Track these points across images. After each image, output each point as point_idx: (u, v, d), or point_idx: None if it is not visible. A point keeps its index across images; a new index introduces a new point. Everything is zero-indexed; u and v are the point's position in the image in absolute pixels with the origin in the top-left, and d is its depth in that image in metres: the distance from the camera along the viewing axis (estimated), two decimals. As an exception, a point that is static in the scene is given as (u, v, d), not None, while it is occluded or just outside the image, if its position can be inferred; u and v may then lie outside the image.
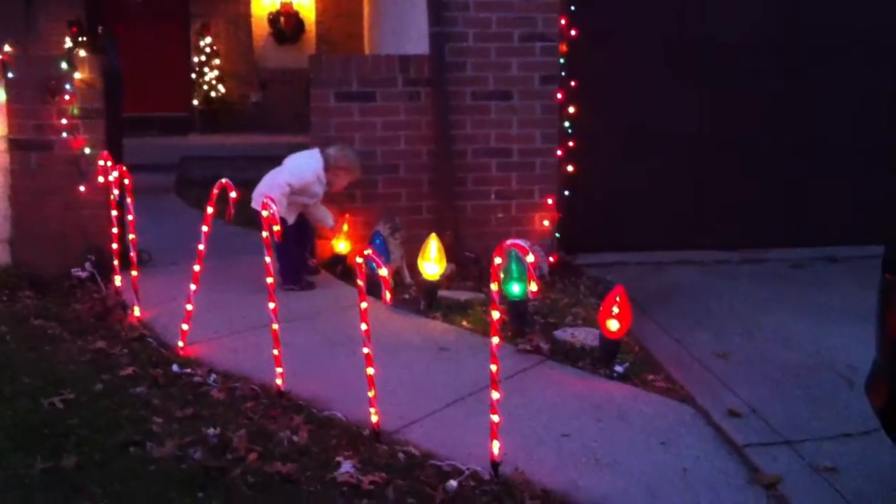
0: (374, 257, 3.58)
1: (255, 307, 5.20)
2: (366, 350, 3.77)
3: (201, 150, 12.01)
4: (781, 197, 7.34)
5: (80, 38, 12.84)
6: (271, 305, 4.27)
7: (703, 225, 7.23)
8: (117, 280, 5.73)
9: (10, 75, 6.09)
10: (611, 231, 7.07)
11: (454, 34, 6.39)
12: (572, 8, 6.57)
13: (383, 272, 3.58)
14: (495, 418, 3.57)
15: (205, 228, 4.75)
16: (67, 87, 6.10)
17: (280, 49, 13.55)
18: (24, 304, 5.74)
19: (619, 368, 4.64)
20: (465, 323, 5.31)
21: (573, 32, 6.58)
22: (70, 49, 5.82)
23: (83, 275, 6.09)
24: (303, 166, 5.91)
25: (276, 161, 6.28)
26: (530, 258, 3.28)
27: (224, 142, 12.37)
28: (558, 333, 5.15)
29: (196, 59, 13.37)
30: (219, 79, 13.38)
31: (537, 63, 6.49)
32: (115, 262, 5.71)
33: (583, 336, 5.07)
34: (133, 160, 11.31)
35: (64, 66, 6.10)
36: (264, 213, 4.13)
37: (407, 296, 5.85)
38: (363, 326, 3.72)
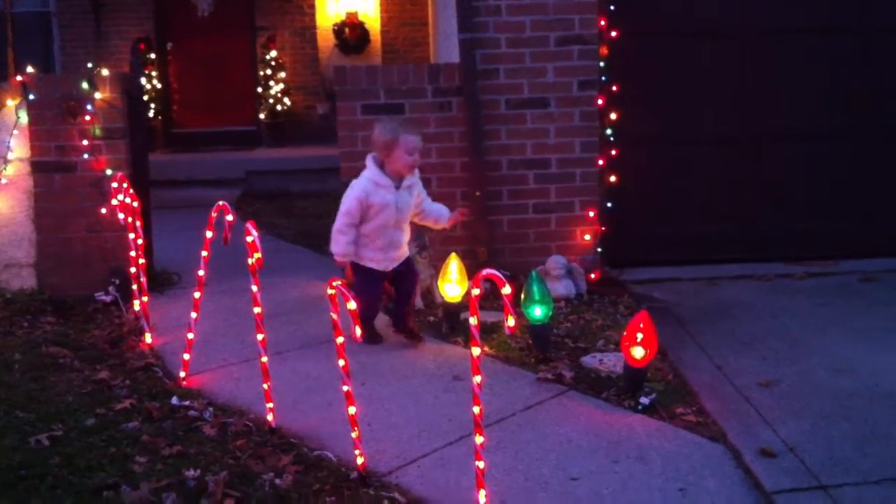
0: (344, 290, 3.27)
1: (272, 330, 4.96)
2: (346, 388, 3.46)
3: (266, 163, 11.96)
4: (853, 200, 6.78)
5: (148, 56, 12.90)
6: (259, 337, 4.01)
7: (763, 235, 6.74)
8: (136, 305, 5.56)
9: (31, 97, 6.00)
10: (661, 244, 6.63)
11: (485, 40, 6.06)
12: (612, 7, 6.16)
13: (351, 305, 3.27)
14: (480, 465, 3.23)
15: (204, 253, 4.52)
16: (89, 107, 5.98)
17: (346, 60, 13.33)
18: (43, 330, 5.61)
19: (644, 400, 4.23)
20: (486, 349, 4.96)
21: (613, 34, 6.18)
22: (91, 69, 5.71)
23: (107, 299, 5.96)
24: (351, 185, 5.10)
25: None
26: (506, 290, 2.93)
27: (290, 154, 12.30)
28: (586, 360, 4.76)
29: (262, 73, 13.29)
30: (284, 91, 13.26)
31: (575, 67, 6.11)
32: (134, 287, 5.54)
33: (612, 363, 4.67)
34: (198, 175, 11.57)
35: (85, 85, 5.97)
36: (248, 239, 3.86)
37: (432, 318, 5.53)
38: (341, 363, 3.42)
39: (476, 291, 3.09)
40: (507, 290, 2.95)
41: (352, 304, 3.27)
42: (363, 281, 5.07)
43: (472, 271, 5.36)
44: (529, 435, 4.00)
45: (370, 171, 5.00)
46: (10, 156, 6.14)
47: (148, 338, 5.22)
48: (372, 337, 5.11)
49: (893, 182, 6.78)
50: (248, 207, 10.03)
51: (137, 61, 6.42)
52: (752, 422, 4.10)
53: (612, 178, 6.26)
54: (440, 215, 5.28)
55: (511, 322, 2.97)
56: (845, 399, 4.32)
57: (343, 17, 13.50)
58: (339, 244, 5.04)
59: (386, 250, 5.09)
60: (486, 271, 3.06)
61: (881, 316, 5.51)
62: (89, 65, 12.43)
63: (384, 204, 4.97)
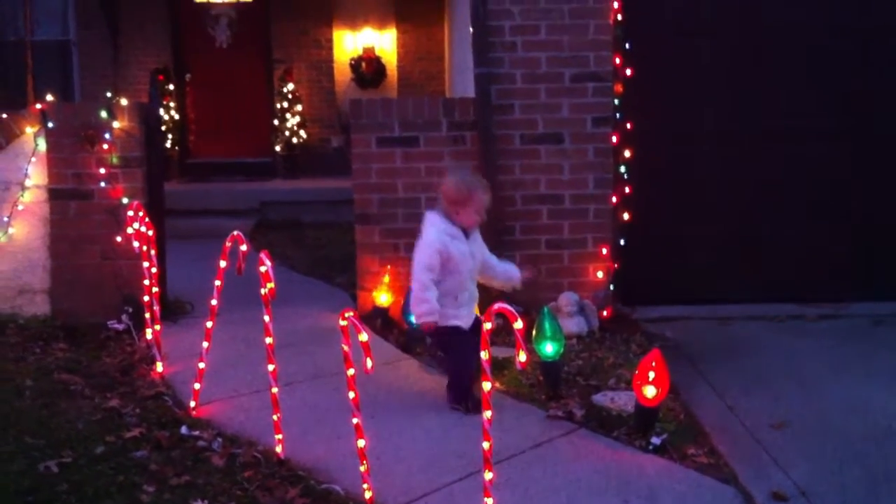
0: (356, 321, 3.28)
1: (283, 361, 4.95)
2: (355, 420, 3.45)
3: (281, 194, 12.01)
4: (866, 241, 6.76)
5: (166, 86, 13.01)
6: (270, 367, 4.01)
7: (776, 276, 6.70)
8: (148, 333, 5.57)
9: (49, 125, 6.06)
10: (674, 282, 6.61)
11: (501, 75, 6.08)
12: (627, 46, 6.19)
13: (363, 337, 3.27)
14: (489, 501, 3.21)
15: (217, 283, 4.53)
16: (106, 135, 6.03)
17: (362, 93, 13.42)
18: (55, 356, 5.62)
19: (655, 440, 4.19)
20: (497, 384, 4.95)
21: (628, 71, 6.20)
22: (109, 98, 5.77)
23: (119, 327, 5.97)
24: (424, 239, 4.71)
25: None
26: (518, 325, 2.93)
27: (304, 186, 12.37)
28: (597, 398, 4.74)
29: (278, 105, 13.37)
30: (300, 124, 13.33)
31: (590, 104, 6.13)
32: (147, 315, 5.55)
33: (623, 401, 4.64)
34: (213, 205, 11.63)
35: (103, 114, 6.03)
36: (262, 269, 3.87)
37: (442, 353, 5.50)
38: (351, 395, 3.41)
39: (488, 326, 3.09)
40: (519, 324, 2.95)
41: (363, 336, 3.26)
42: (453, 341, 4.73)
43: (483, 306, 5.36)
44: (539, 473, 3.98)
45: (441, 223, 4.68)
46: (28, 182, 6.19)
47: (159, 366, 5.23)
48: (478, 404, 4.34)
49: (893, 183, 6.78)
50: (263, 238, 10.06)
51: (156, 91, 6.47)
52: (764, 464, 4.08)
53: (626, 216, 6.26)
54: (510, 273, 4.99)
55: (522, 357, 2.97)
56: (858, 441, 4.29)
57: (360, 52, 13.61)
58: (427, 302, 4.60)
59: (467, 305, 4.80)
60: (498, 305, 3.06)
61: (892, 358, 5.48)
62: (108, 94, 12.53)
63: (462, 254, 4.68)
